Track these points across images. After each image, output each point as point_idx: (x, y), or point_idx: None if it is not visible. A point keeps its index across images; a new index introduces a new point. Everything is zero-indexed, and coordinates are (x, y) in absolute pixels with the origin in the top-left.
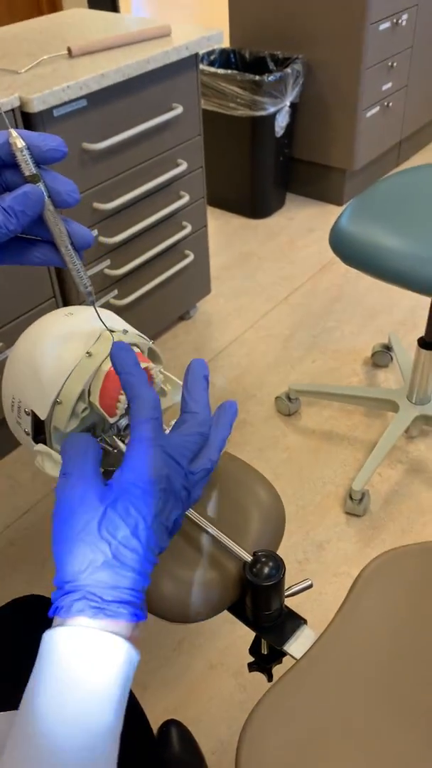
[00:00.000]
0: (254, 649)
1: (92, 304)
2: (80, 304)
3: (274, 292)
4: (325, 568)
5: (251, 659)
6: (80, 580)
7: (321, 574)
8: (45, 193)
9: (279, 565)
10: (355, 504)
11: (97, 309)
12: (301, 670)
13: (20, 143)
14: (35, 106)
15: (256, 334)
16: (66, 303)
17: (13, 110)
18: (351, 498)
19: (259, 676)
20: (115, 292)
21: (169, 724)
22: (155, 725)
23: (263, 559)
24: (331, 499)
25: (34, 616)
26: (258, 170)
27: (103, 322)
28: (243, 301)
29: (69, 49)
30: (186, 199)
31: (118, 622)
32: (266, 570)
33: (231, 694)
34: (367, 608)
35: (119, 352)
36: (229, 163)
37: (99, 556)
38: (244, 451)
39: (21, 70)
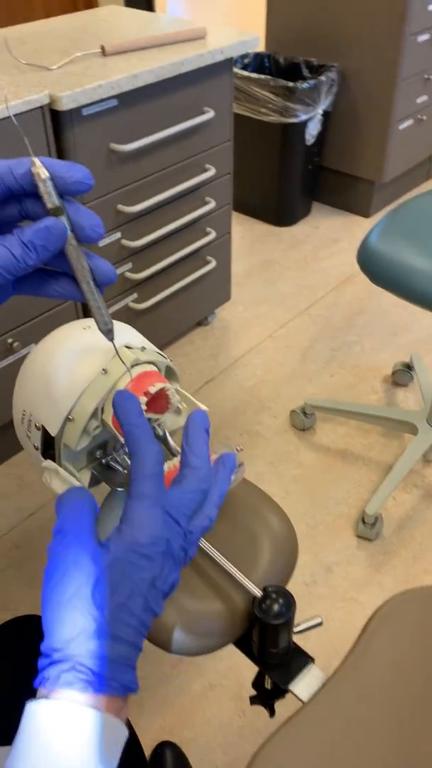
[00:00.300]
0: (257, 683)
1: (111, 342)
2: None
3: (295, 301)
4: (333, 592)
5: (252, 681)
6: (69, 649)
7: (328, 598)
8: (68, 228)
9: (289, 603)
10: (368, 528)
11: (116, 322)
12: (308, 714)
13: (44, 173)
14: (65, 104)
15: (275, 344)
16: (85, 307)
17: (42, 108)
18: (363, 521)
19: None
20: (135, 295)
21: (163, 746)
22: (150, 744)
23: (273, 596)
24: (342, 521)
25: (30, 639)
26: (286, 177)
27: (122, 361)
28: (263, 309)
29: (102, 48)
30: (212, 205)
31: (107, 697)
32: (276, 607)
33: (229, 719)
34: (378, 652)
35: (123, 402)
36: (256, 169)
37: (91, 624)
38: (256, 464)
39: (52, 67)
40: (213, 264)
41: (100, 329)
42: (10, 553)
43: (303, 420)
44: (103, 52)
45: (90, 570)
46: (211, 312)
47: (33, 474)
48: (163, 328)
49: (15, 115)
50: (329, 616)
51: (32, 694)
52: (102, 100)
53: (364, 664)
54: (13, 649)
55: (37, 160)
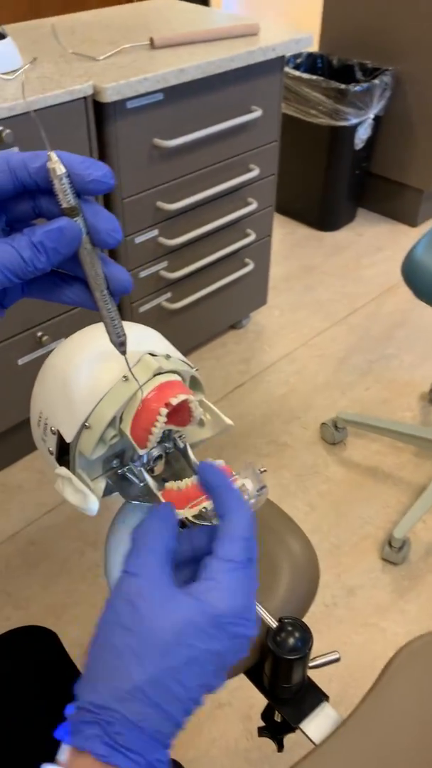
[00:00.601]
0: (267, 715)
1: (124, 356)
2: (130, 319)
3: (333, 309)
4: (354, 615)
5: (262, 712)
6: (104, 700)
7: (348, 621)
8: (83, 230)
9: (306, 638)
10: (394, 551)
11: (135, 325)
12: (319, 759)
13: (60, 169)
14: (108, 96)
15: (309, 352)
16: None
17: (85, 98)
18: (390, 544)
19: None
20: (169, 294)
21: None
22: None
23: (289, 628)
24: (368, 542)
25: (30, 652)
26: (331, 181)
27: (134, 376)
28: (299, 315)
29: (151, 40)
30: (254, 206)
31: None
32: (291, 641)
33: (236, 740)
34: (398, 697)
35: (209, 470)
36: (301, 171)
37: (137, 683)
38: (282, 477)
39: (99, 58)
40: (251, 266)
41: (111, 341)
42: (26, 549)
43: (333, 433)
44: (152, 45)
45: (163, 617)
46: (245, 315)
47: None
48: (196, 329)
49: (59, 105)
50: (348, 640)
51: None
52: (147, 94)
53: (382, 709)
54: (15, 661)
55: (53, 155)
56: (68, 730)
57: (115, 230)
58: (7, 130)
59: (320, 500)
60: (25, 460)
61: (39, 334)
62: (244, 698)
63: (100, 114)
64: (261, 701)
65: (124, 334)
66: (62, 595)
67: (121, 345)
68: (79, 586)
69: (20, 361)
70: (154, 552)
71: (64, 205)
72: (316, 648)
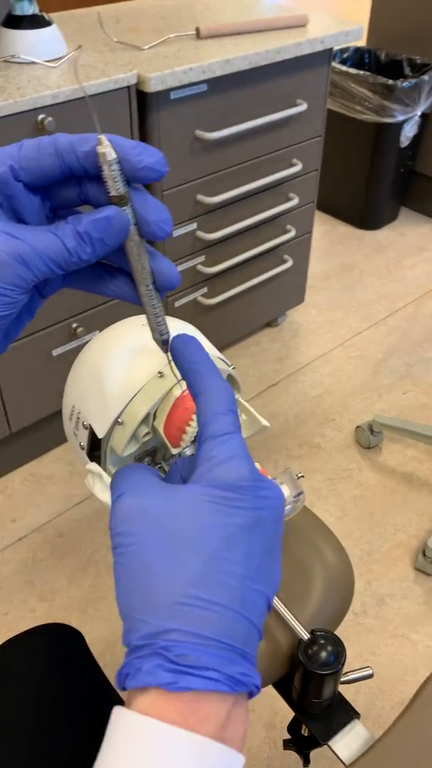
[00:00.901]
0: (293, 728)
1: (166, 353)
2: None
3: (372, 310)
4: (384, 626)
5: (288, 724)
6: (152, 625)
7: (378, 631)
8: (131, 220)
9: (339, 653)
10: (428, 561)
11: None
12: None
13: (111, 155)
14: (152, 86)
15: (346, 353)
16: None
17: (128, 88)
18: (424, 554)
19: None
20: (205, 290)
21: None
22: None
23: (322, 641)
24: (401, 550)
25: (53, 651)
26: (375, 179)
27: (176, 375)
28: (337, 315)
29: (197, 30)
30: (295, 201)
31: (208, 697)
32: (323, 655)
33: (259, 747)
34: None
35: (182, 344)
36: (344, 168)
37: (180, 586)
38: (314, 479)
39: (144, 47)
40: (289, 263)
41: (154, 339)
42: (54, 540)
43: (369, 437)
44: (198, 35)
45: (172, 511)
46: (282, 313)
47: None
48: (231, 325)
49: (102, 93)
50: (376, 651)
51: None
52: (191, 84)
53: (417, 732)
54: (38, 660)
55: (104, 139)
56: (125, 675)
57: (166, 221)
58: (49, 118)
59: (352, 505)
60: (57, 450)
61: (74, 325)
62: (268, 705)
63: (143, 104)
64: (285, 709)
65: (168, 332)
66: (88, 589)
67: (164, 343)
68: (105, 581)
69: (55, 352)
70: (140, 473)
71: (113, 192)
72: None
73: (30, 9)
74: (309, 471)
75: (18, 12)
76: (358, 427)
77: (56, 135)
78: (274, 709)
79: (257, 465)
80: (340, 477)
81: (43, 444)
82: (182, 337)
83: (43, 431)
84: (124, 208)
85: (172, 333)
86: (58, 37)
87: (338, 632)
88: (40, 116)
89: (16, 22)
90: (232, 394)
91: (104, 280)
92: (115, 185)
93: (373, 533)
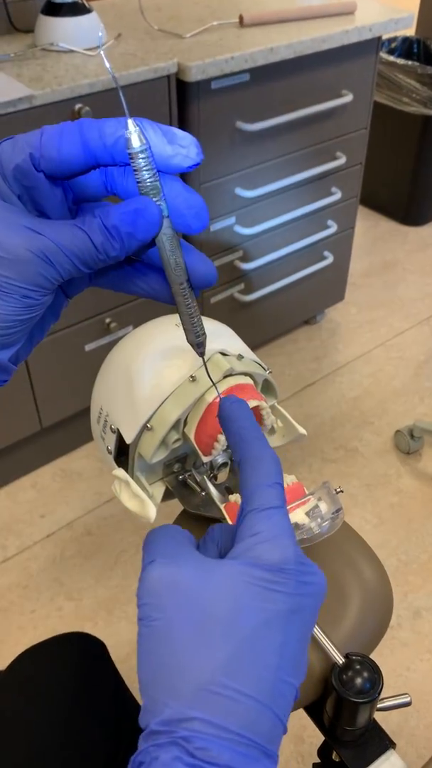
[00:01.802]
0: (324, 752)
1: (201, 356)
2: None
3: (415, 309)
4: (420, 640)
5: (319, 748)
6: (173, 711)
7: (413, 646)
8: (163, 213)
9: (376, 680)
10: None
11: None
12: None
13: (139, 141)
14: (193, 75)
15: (387, 353)
16: None
17: (168, 77)
18: None
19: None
20: (242, 286)
21: None
22: None
23: (357, 667)
24: None
25: (78, 662)
26: (421, 173)
27: (211, 380)
28: (378, 314)
29: (240, 18)
30: (337, 196)
31: None
32: (359, 681)
33: (287, 761)
34: None
35: (230, 406)
36: (389, 161)
37: (205, 672)
38: (350, 485)
39: (186, 35)
40: (330, 260)
41: (188, 341)
42: (82, 539)
43: (409, 442)
44: (241, 23)
45: (206, 587)
46: (320, 311)
47: None
48: (267, 323)
49: (141, 83)
50: (411, 666)
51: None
52: (233, 74)
53: None
54: (59, 670)
55: (132, 123)
56: (138, 764)
57: (201, 213)
58: (86, 108)
59: (390, 513)
60: (87, 446)
61: (107, 320)
62: (296, 718)
63: (183, 94)
64: (314, 723)
65: (204, 333)
66: (115, 589)
67: (199, 345)
68: (132, 583)
69: (87, 347)
70: (173, 538)
71: (143, 183)
72: None
73: None
74: (345, 476)
75: None
76: (397, 431)
77: (81, 120)
78: (302, 722)
79: (293, 477)
80: (377, 483)
81: (73, 440)
82: (231, 399)
83: (74, 427)
84: (155, 199)
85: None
86: (97, 25)
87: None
88: (77, 105)
89: (56, 9)
90: (279, 464)
91: (134, 278)
92: (146, 175)
93: (411, 543)
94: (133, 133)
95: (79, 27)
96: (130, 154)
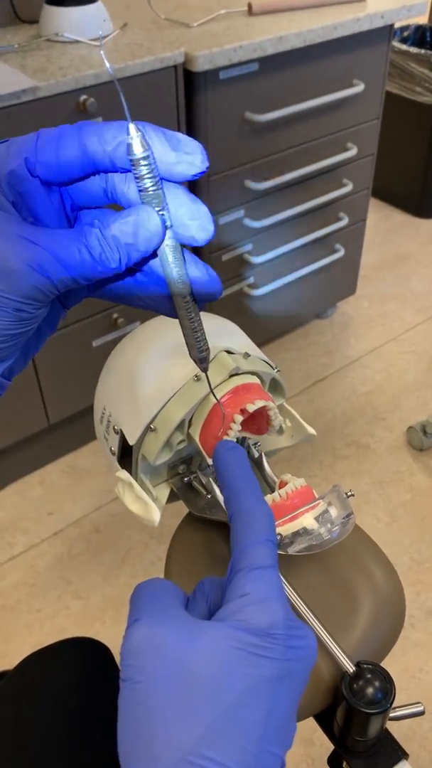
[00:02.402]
0: (334, 761)
1: (205, 373)
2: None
3: (428, 302)
4: None
5: (329, 757)
6: None
7: (426, 646)
8: (166, 223)
9: (388, 690)
10: None
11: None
12: None
13: (141, 148)
14: (200, 65)
15: (399, 348)
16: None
17: (175, 67)
18: None
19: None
20: (251, 279)
21: None
22: None
23: (368, 676)
24: None
25: (82, 669)
26: None
27: (215, 397)
28: (390, 307)
29: (249, 6)
30: (348, 188)
31: None
32: (370, 691)
33: (297, 765)
34: None
35: (225, 453)
36: (401, 152)
37: (212, 744)
38: (361, 482)
39: (193, 24)
40: (341, 253)
41: (191, 356)
42: (90, 536)
43: (422, 439)
44: (250, 11)
45: (190, 651)
46: (331, 305)
47: None
48: (278, 317)
49: (147, 73)
50: (424, 667)
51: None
52: (241, 63)
53: None
54: (61, 676)
55: (134, 128)
56: None
57: (206, 225)
58: (91, 99)
59: (402, 511)
60: (95, 443)
61: (115, 315)
62: (309, 720)
63: (190, 84)
64: (325, 724)
65: (207, 349)
66: (123, 588)
67: (202, 361)
68: (140, 581)
69: (95, 343)
70: (161, 595)
71: (145, 191)
72: (389, 672)
73: None
74: (356, 473)
75: None
76: (410, 427)
77: (80, 123)
78: (311, 724)
79: (302, 480)
80: (389, 480)
81: (81, 436)
82: (226, 445)
83: (82, 423)
84: (157, 208)
85: (206, 330)
86: (103, 15)
87: None
88: (82, 97)
89: None
90: (272, 520)
91: (135, 290)
92: (148, 182)
93: (424, 541)
94: (135, 138)
95: (85, 16)
96: (131, 160)
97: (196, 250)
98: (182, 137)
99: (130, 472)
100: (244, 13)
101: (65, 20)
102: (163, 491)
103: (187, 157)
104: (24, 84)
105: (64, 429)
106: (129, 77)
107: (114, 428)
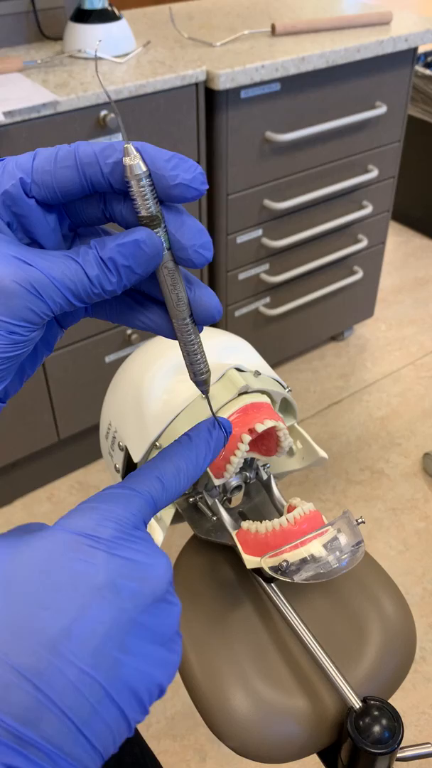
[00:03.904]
0: None
1: (205, 395)
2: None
3: None
4: None
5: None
6: None
7: None
8: (164, 245)
9: (395, 729)
10: None
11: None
12: None
13: (140, 168)
14: (221, 83)
15: (416, 372)
16: None
17: (197, 85)
18: None
19: None
20: (267, 299)
21: None
22: None
23: (375, 713)
24: None
25: None
26: None
27: (215, 416)
28: (408, 331)
29: (273, 27)
30: (368, 210)
31: None
32: (376, 729)
33: None
34: None
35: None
36: (422, 177)
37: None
38: (375, 508)
39: (216, 44)
40: (359, 275)
41: (192, 379)
42: None
43: None
44: (273, 32)
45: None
46: (348, 327)
47: None
48: (293, 338)
49: (168, 90)
50: None
51: None
52: (263, 83)
53: None
54: None
55: (132, 148)
56: None
57: (204, 246)
58: (111, 115)
59: (416, 539)
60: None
61: (128, 332)
62: (310, 756)
63: (211, 103)
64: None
65: (208, 370)
66: None
67: (202, 384)
68: None
69: (107, 359)
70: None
71: (143, 212)
72: (397, 708)
73: (99, 3)
74: (370, 499)
75: (87, 6)
76: (426, 454)
77: (77, 143)
78: (315, 761)
79: (310, 505)
80: (403, 507)
81: (91, 452)
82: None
83: (92, 439)
84: (156, 230)
85: (216, 346)
86: (126, 33)
87: None
88: (102, 112)
89: (85, 16)
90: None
91: (134, 311)
92: (146, 204)
93: None
94: (133, 159)
95: (108, 34)
96: (128, 181)
97: (212, 267)
98: (181, 158)
99: None
100: (267, 34)
101: (89, 37)
102: (168, 512)
103: (186, 178)
104: (44, 98)
105: (74, 445)
106: (150, 94)
107: (119, 445)
